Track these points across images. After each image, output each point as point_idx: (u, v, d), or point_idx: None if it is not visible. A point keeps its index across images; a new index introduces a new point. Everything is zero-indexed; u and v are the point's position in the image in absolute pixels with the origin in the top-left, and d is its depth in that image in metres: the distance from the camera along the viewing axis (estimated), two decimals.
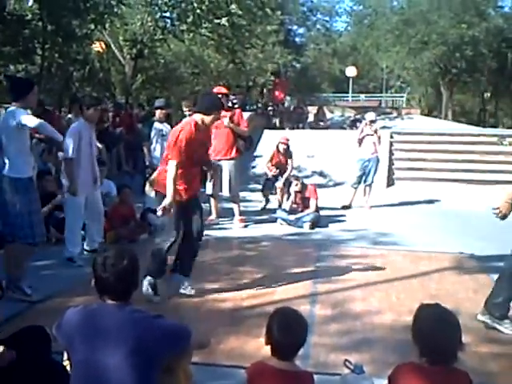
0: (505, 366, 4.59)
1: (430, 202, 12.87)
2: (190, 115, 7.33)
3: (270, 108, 23.41)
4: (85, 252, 7.79)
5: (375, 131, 11.96)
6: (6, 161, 5.93)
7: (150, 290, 6.00)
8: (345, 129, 22.45)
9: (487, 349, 4.85)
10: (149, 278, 6.05)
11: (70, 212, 7.63)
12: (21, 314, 5.50)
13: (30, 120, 5.98)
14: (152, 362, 2.93)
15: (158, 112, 10.37)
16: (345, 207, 11.95)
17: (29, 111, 6.31)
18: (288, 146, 11.78)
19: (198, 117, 6.05)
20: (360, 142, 11.96)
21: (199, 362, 3.96)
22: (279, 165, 11.72)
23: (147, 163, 10.39)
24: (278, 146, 11.75)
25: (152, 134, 10.18)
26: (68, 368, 3.16)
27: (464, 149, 16.18)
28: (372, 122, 12.04)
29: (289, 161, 11.75)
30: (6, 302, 5.87)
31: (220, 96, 9.90)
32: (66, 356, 3.20)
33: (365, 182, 12.03)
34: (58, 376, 3.24)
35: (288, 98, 25.21)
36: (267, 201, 11.76)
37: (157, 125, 10.18)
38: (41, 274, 6.79)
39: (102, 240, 8.02)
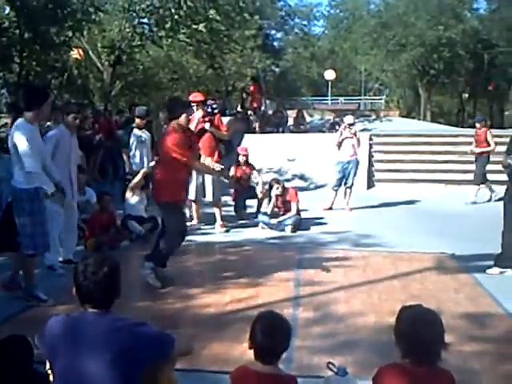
0: (487, 364, 4.62)
1: (410, 202, 12.94)
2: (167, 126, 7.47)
3: (250, 112, 23.42)
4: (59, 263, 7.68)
5: (354, 134, 12.01)
6: (17, 172, 6.00)
7: (152, 274, 6.63)
8: (324, 132, 22.50)
9: (470, 347, 4.88)
10: (150, 263, 6.68)
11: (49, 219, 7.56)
12: (2, 324, 5.46)
13: (20, 143, 5.89)
14: (135, 369, 2.92)
15: (137, 119, 10.33)
16: (326, 210, 11.97)
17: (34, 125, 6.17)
18: (247, 157, 11.75)
19: (173, 123, 6.57)
20: (339, 144, 12.00)
21: (184, 368, 3.95)
22: (244, 176, 11.59)
23: (127, 170, 10.33)
24: (237, 162, 11.62)
25: (131, 140, 10.14)
26: (51, 377, 3.14)
27: (443, 149, 16.31)
28: (350, 124, 12.11)
29: (254, 172, 11.72)
30: None
31: (195, 103, 9.95)
32: (48, 365, 3.18)
33: (345, 184, 12.08)
34: None
35: (267, 102, 25.24)
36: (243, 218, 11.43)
37: (136, 131, 10.14)
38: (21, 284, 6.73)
39: (74, 249, 7.93)
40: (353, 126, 12.16)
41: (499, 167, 8.31)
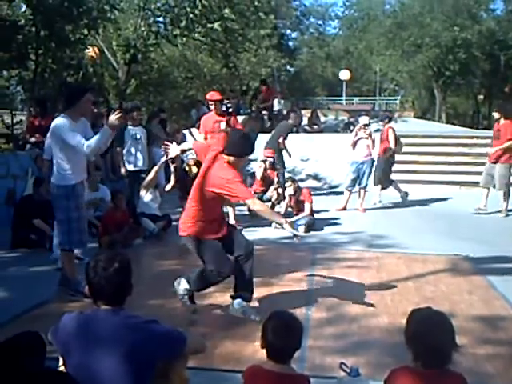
0: (500, 367, 4.59)
1: (424, 204, 12.88)
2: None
3: (264, 112, 23.41)
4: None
5: (369, 134, 11.96)
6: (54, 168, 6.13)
7: (186, 298, 5.83)
8: (338, 132, 22.47)
9: (483, 350, 4.85)
10: (187, 284, 5.83)
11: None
12: (16, 320, 5.49)
13: (69, 138, 5.94)
14: (146, 367, 2.93)
15: (134, 114, 10.28)
16: (339, 210, 11.93)
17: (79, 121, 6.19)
18: (274, 159, 11.78)
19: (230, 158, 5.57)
20: (354, 145, 11.95)
21: (195, 366, 3.95)
22: (266, 179, 11.61)
23: (121, 168, 10.25)
24: (265, 162, 11.65)
25: (125, 138, 10.10)
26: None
27: (458, 151, 16.23)
28: (366, 125, 12.05)
29: (274, 173, 11.74)
30: (1, 307, 5.88)
31: (214, 101, 9.99)
32: (61, 361, 3.19)
33: (359, 184, 12.03)
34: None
35: (282, 101, 25.23)
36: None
37: (130, 128, 10.12)
38: (35, 279, 6.77)
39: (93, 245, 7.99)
40: (368, 127, 12.10)
41: None
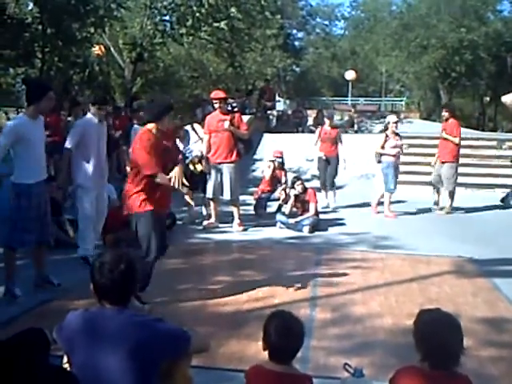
0: (505, 369, 4.59)
1: (429, 205, 12.85)
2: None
3: (269, 112, 23.46)
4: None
5: (396, 134, 11.76)
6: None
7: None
8: (347, 132, 22.41)
9: (487, 352, 4.84)
10: None
11: (81, 209, 7.59)
12: (21, 317, 5.51)
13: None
14: (151, 365, 2.93)
15: (141, 113, 10.35)
16: (389, 216, 11.58)
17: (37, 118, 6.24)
18: (282, 159, 11.79)
19: (150, 125, 5.84)
20: (383, 147, 11.68)
21: (199, 365, 3.95)
22: (274, 179, 11.66)
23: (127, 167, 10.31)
24: (274, 162, 11.67)
25: (131, 136, 10.15)
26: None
27: (463, 152, 16.15)
28: (395, 123, 11.80)
29: (282, 173, 11.78)
30: (6, 304, 5.90)
31: (218, 100, 10.00)
32: (65, 359, 3.19)
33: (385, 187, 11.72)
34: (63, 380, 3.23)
35: (287, 101, 25.28)
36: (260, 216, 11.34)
37: (136, 127, 10.15)
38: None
39: (98, 242, 8.01)
40: (397, 125, 11.87)
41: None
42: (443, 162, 11.65)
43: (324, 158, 12.46)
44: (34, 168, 6.16)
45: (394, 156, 11.58)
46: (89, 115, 7.66)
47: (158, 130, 5.79)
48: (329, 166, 12.42)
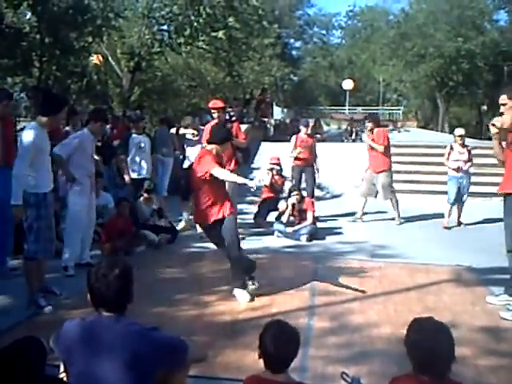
0: (504, 379, 4.56)
1: (427, 214, 12.84)
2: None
3: (266, 120, 23.52)
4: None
5: (464, 146, 11.62)
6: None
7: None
8: (343, 141, 22.48)
9: (486, 361, 4.82)
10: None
11: (70, 221, 7.61)
12: (17, 326, 5.49)
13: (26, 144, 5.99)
14: (148, 374, 2.92)
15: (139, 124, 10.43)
16: (445, 228, 11.46)
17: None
18: (280, 166, 11.78)
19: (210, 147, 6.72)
20: (450, 160, 11.62)
21: (197, 374, 3.94)
22: (275, 186, 11.64)
23: (125, 176, 10.28)
24: (272, 171, 11.61)
25: (129, 146, 10.16)
26: (65, 380, 3.15)
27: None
28: (461, 136, 11.70)
29: (281, 180, 11.77)
30: (2, 313, 5.88)
31: (217, 109, 10.01)
32: (62, 368, 3.18)
33: (460, 199, 11.65)
34: None
35: (285, 110, 25.35)
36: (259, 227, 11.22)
37: (134, 136, 10.17)
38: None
39: (89, 252, 8.01)
40: (463, 138, 11.71)
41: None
42: (378, 172, 11.55)
43: (299, 166, 12.19)
44: (48, 177, 6.24)
45: (455, 169, 11.50)
46: (86, 130, 7.69)
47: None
48: (304, 174, 12.19)
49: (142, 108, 15.42)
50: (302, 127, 12.67)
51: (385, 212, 12.69)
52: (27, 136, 5.97)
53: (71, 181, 7.45)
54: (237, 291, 6.54)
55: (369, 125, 11.90)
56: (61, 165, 7.51)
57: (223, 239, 6.59)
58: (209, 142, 6.76)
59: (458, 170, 11.42)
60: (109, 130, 13.80)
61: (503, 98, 6.36)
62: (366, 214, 12.14)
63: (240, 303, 6.38)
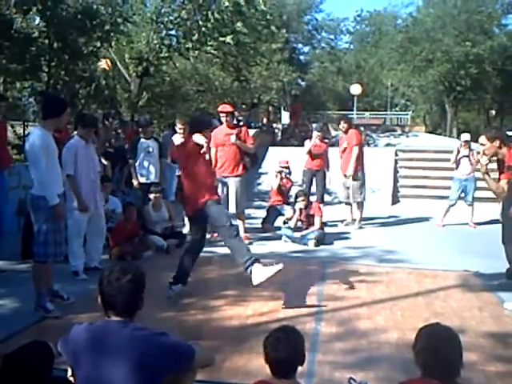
0: None
1: (435, 219, 12.82)
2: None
3: (274, 125, 23.54)
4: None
5: (469, 149, 11.91)
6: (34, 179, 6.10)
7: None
8: None
9: (493, 367, 4.80)
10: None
11: (72, 226, 7.60)
12: (25, 331, 5.50)
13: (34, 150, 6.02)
14: (155, 379, 2.93)
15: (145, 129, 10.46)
16: (440, 226, 11.97)
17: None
18: (289, 169, 11.80)
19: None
20: (457, 163, 11.95)
21: (204, 379, 3.94)
22: (283, 190, 11.67)
23: (133, 181, 10.30)
24: (281, 173, 11.67)
25: (138, 151, 10.19)
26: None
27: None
28: (466, 141, 11.97)
29: (289, 184, 11.81)
30: (11, 318, 5.89)
31: (225, 113, 10.05)
32: (70, 372, 3.19)
33: (466, 201, 12.03)
34: None
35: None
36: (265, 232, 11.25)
37: (143, 141, 10.20)
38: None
39: (100, 257, 8.03)
40: (469, 143, 12.01)
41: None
42: (349, 175, 11.57)
43: (310, 170, 12.24)
44: (58, 180, 6.28)
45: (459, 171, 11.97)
46: (76, 137, 7.69)
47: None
48: (315, 179, 12.24)
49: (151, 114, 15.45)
50: (315, 132, 12.65)
51: (393, 217, 12.70)
52: (33, 140, 6.01)
53: (84, 210, 7.49)
54: (253, 268, 6.39)
55: (344, 125, 11.92)
56: (73, 188, 7.48)
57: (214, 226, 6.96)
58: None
59: (470, 173, 11.86)
60: (122, 136, 13.86)
61: (483, 139, 7.03)
62: (374, 218, 12.13)
63: (247, 308, 6.37)
